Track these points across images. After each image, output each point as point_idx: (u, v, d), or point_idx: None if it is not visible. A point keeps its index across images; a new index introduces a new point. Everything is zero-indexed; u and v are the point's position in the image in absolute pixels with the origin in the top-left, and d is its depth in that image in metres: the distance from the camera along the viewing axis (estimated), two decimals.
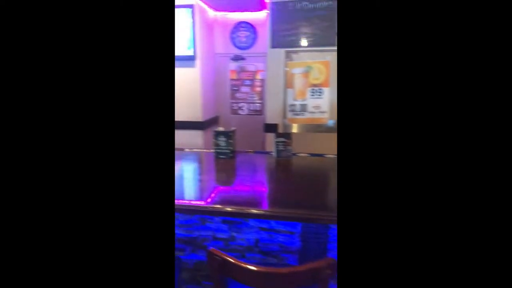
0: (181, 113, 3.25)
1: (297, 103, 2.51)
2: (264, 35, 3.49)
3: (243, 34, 3.59)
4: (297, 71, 2.49)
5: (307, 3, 2.46)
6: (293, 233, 1.25)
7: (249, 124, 3.73)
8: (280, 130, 2.56)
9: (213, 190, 1.27)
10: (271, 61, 2.62)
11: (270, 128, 2.61)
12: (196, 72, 3.12)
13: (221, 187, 1.33)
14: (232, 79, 3.73)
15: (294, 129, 2.60)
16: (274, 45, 2.57)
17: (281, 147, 1.64)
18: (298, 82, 2.50)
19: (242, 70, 3.68)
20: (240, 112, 3.78)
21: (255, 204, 1.13)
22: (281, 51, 2.57)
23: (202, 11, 3.14)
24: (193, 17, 2.95)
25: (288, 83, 2.54)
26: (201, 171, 1.62)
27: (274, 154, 1.67)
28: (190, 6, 2.94)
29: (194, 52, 3.04)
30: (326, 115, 2.50)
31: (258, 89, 3.70)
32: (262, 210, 1.05)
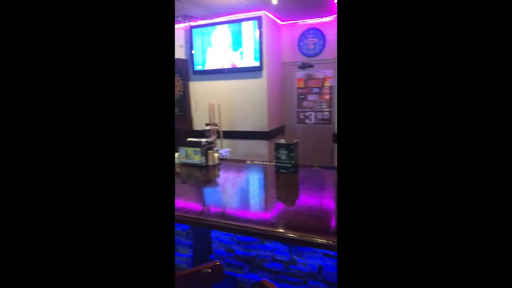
0: (247, 123, 3.30)
1: None
2: (333, 41, 3.31)
3: (311, 41, 3.47)
4: None
5: None
6: None
7: (317, 133, 3.57)
8: None
9: (273, 209, 1.19)
10: None
11: None
12: (263, 82, 3.13)
13: (282, 206, 1.24)
14: (299, 88, 3.63)
15: None
16: None
17: None
18: None
19: (309, 78, 3.56)
20: (307, 121, 3.64)
21: (318, 231, 1.00)
22: None
23: (270, 22, 3.14)
24: (260, 28, 2.98)
25: None
26: (260, 186, 1.56)
27: None
28: (257, 18, 2.98)
29: (261, 63, 3.05)
30: None
31: (327, 96, 3.51)
32: (326, 239, 0.93)
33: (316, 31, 3.44)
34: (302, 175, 1.58)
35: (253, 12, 2.99)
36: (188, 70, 3.51)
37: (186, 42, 3.47)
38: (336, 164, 2.16)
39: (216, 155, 1.81)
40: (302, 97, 3.64)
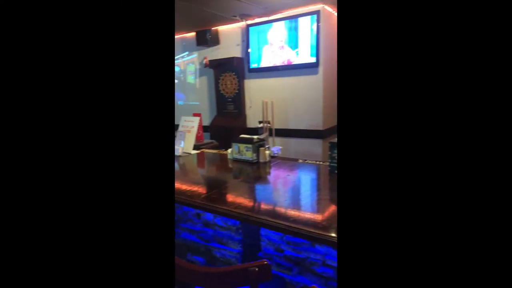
0: (300, 121, 3.22)
1: None
2: None
3: None
4: None
5: None
6: None
7: None
8: None
9: (325, 211, 1.13)
10: None
11: None
12: (319, 79, 3.02)
13: (335, 209, 1.17)
14: None
15: None
16: None
17: None
18: None
19: None
20: None
21: None
22: None
23: (328, 15, 3.01)
24: (317, 23, 2.87)
25: None
26: (313, 186, 1.50)
27: None
28: (315, 12, 2.87)
29: (317, 59, 2.94)
30: None
31: None
32: None
33: None
34: None
35: (310, 6, 2.89)
36: (244, 68, 3.57)
37: (243, 41, 3.52)
38: None
39: (267, 152, 1.80)
40: None
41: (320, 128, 3.10)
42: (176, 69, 4.40)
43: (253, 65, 3.46)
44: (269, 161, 1.82)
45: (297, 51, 3.07)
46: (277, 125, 3.25)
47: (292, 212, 1.10)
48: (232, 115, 3.70)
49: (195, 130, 1.99)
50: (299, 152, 3.19)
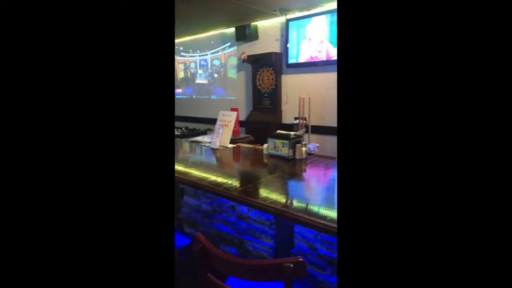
0: (335, 119, 3.12)
1: None
2: None
3: None
4: None
5: None
6: None
7: None
8: None
9: None
10: None
11: None
12: None
13: None
14: None
15: None
16: None
17: None
18: None
19: None
20: None
21: None
22: None
23: None
24: None
25: None
26: None
27: None
28: None
29: None
30: None
31: None
32: None
33: None
34: None
35: None
36: (281, 64, 3.54)
37: (282, 35, 3.49)
38: None
39: (304, 149, 1.77)
40: None
41: None
42: (216, 62, 4.48)
43: (291, 60, 3.41)
44: (305, 158, 1.80)
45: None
46: (313, 121, 3.19)
47: (328, 211, 1.08)
48: (268, 110, 3.70)
49: (232, 124, 2.03)
50: (336, 150, 3.10)
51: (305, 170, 1.68)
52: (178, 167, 1.58)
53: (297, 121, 3.16)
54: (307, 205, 1.19)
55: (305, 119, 3.13)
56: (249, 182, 1.45)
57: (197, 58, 4.88)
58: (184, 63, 5.17)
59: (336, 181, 1.54)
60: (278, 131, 1.91)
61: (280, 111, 3.64)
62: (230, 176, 1.56)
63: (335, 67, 3.04)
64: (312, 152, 1.94)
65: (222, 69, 4.42)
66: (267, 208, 1.15)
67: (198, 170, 1.53)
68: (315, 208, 1.13)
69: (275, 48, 3.57)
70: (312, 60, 3.22)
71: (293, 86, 3.51)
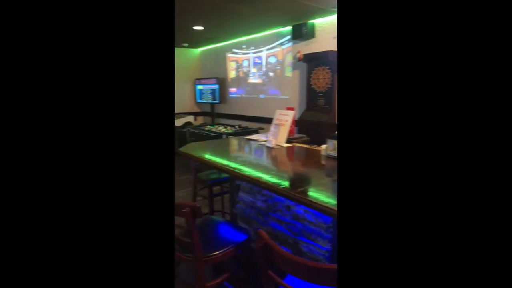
0: None
1: None
2: None
3: None
4: None
5: None
6: None
7: None
8: None
9: None
10: None
11: None
12: None
13: None
14: None
15: None
16: None
17: None
18: None
19: None
20: None
21: None
22: None
23: None
24: None
25: None
26: None
27: None
28: None
29: None
30: None
31: None
32: None
33: None
34: None
35: None
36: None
37: None
38: None
39: None
40: None
41: None
42: (272, 59, 4.46)
43: None
44: None
45: None
46: None
47: None
48: (322, 110, 3.61)
49: (289, 123, 2.02)
50: None
51: None
52: (234, 164, 1.63)
53: None
54: None
55: None
56: (307, 184, 1.43)
57: (251, 56, 4.85)
58: (236, 61, 5.20)
59: None
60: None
61: (335, 111, 3.52)
62: (286, 175, 1.56)
63: None
64: None
65: (279, 67, 4.36)
66: (327, 210, 1.12)
67: (254, 168, 1.56)
68: None
69: (332, 46, 3.46)
70: None
71: None
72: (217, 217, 1.75)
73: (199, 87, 5.78)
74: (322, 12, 3.28)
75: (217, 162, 1.67)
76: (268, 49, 4.50)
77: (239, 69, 5.17)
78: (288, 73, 4.24)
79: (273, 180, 1.40)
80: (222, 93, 5.43)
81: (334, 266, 0.83)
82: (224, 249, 1.34)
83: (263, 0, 2.80)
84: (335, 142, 1.71)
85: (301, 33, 3.64)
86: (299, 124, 3.75)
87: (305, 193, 1.26)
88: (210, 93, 5.54)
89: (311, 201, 1.18)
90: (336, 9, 3.16)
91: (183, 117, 5.37)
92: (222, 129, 4.48)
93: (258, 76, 4.80)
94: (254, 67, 4.86)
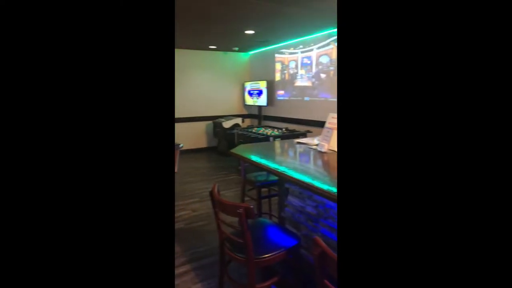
0: None
1: None
2: None
3: None
4: None
5: None
6: None
7: None
8: None
9: None
10: None
11: None
12: None
13: None
14: None
15: None
16: None
17: None
18: None
19: None
20: None
21: None
22: None
23: None
24: None
25: None
26: None
27: None
28: None
29: None
30: None
31: None
32: None
33: None
34: None
35: None
36: None
37: None
38: None
39: None
40: None
41: None
42: (325, 59, 4.30)
43: None
44: None
45: None
46: None
47: None
48: None
49: None
50: None
51: None
52: (284, 168, 1.61)
53: None
54: None
55: None
56: None
57: (299, 56, 4.66)
58: (282, 62, 5.09)
59: None
60: None
61: None
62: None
63: None
64: None
65: (332, 68, 4.12)
66: None
67: (305, 172, 1.53)
68: None
69: None
70: None
71: None
72: (267, 220, 1.75)
73: (248, 88, 5.90)
74: None
75: (269, 165, 1.68)
76: (319, 48, 4.29)
77: (285, 71, 5.05)
78: None
79: (326, 186, 1.36)
80: (269, 95, 5.47)
81: None
82: (275, 252, 1.34)
83: (317, 1, 2.76)
84: None
85: None
86: None
87: None
88: (257, 95, 5.62)
89: None
90: None
91: (232, 119, 5.52)
92: (269, 131, 4.50)
93: (307, 78, 4.68)
94: (302, 68, 4.71)
